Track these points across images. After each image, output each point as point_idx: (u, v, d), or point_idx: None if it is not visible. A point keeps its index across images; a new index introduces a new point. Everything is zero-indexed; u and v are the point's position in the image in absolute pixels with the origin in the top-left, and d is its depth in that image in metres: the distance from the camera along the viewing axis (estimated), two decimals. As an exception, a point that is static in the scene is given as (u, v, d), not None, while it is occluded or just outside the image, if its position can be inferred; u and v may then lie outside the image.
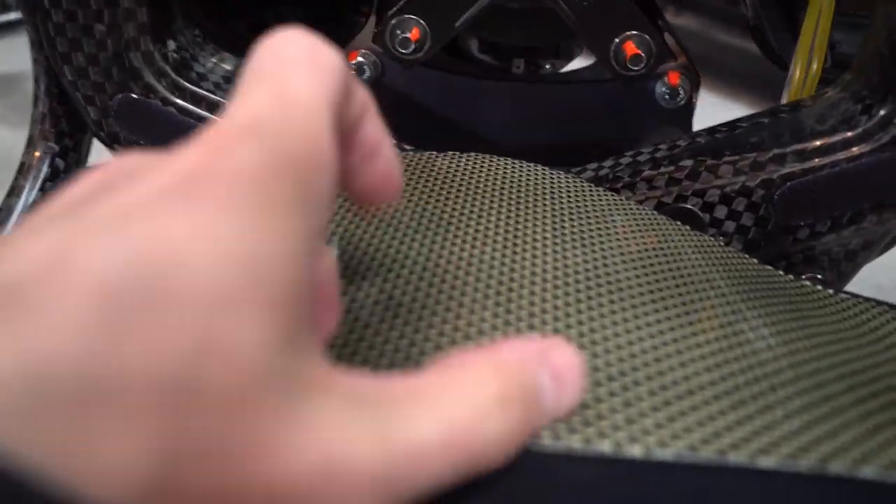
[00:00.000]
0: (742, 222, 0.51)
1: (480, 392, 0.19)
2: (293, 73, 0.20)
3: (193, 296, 0.15)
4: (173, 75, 0.51)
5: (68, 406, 0.14)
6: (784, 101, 0.59)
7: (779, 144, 0.49)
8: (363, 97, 0.23)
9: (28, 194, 0.59)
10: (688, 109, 0.61)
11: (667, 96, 0.59)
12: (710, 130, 0.53)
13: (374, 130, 0.23)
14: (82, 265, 0.15)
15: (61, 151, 0.59)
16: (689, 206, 0.51)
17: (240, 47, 0.70)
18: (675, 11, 2.79)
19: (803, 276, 0.52)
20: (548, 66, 0.66)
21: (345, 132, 0.22)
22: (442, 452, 0.18)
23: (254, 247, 0.16)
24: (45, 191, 0.59)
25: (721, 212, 0.51)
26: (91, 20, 0.49)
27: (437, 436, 0.18)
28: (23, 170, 0.58)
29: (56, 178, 0.59)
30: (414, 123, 0.64)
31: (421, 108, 0.64)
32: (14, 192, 0.59)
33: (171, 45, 0.52)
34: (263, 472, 0.15)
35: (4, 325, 0.14)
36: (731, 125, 0.53)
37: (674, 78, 0.59)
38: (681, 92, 0.59)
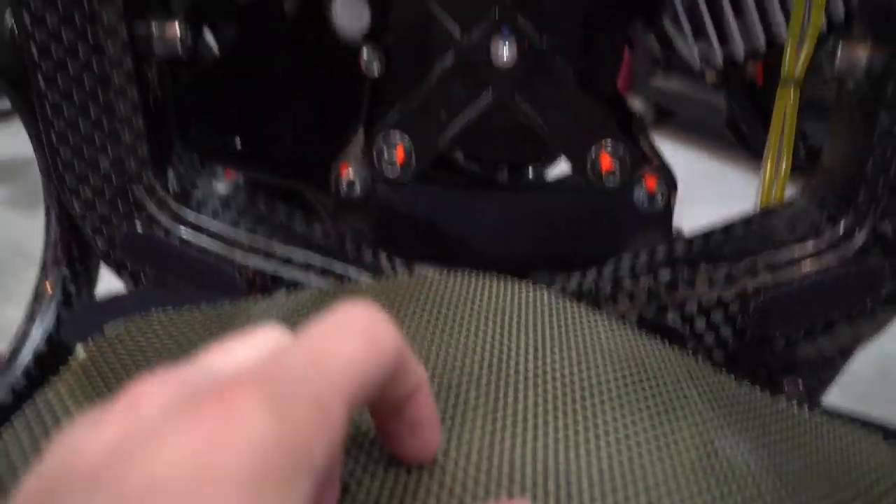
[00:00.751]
0: (721, 334, 0.53)
1: None
2: (340, 340, 0.22)
3: None
4: (174, 205, 0.53)
5: None
6: (757, 198, 0.62)
7: (750, 256, 0.52)
8: (419, 376, 0.25)
9: (42, 318, 0.61)
10: (667, 212, 0.63)
11: (645, 202, 0.62)
12: (688, 240, 0.56)
13: (423, 407, 0.25)
14: None
15: (72, 276, 0.61)
16: (667, 322, 0.53)
17: (235, 160, 0.73)
18: (664, 74, 2.86)
19: (784, 382, 0.54)
20: (531, 171, 0.69)
21: (396, 403, 0.24)
22: None
23: None
24: (59, 317, 0.61)
25: (700, 324, 0.53)
26: (96, 155, 0.51)
27: None
28: (37, 296, 0.61)
29: (69, 303, 0.61)
30: (405, 234, 0.67)
31: (410, 219, 0.66)
32: (31, 317, 0.61)
33: (171, 174, 0.55)
34: None
35: None
36: (707, 234, 0.56)
37: (651, 183, 0.62)
38: (659, 196, 0.62)
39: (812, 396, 0.53)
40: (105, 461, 0.19)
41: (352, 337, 0.23)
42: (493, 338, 0.43)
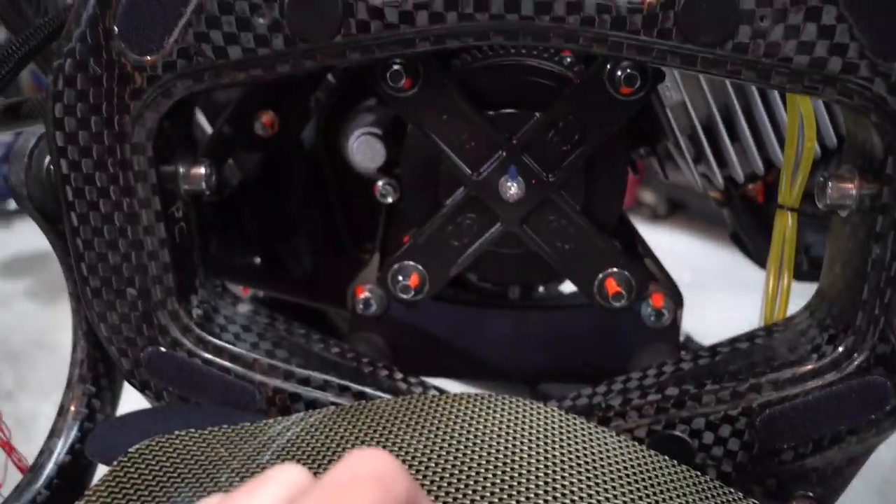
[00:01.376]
0: (729, 447, 0.54)
1: None
2: (354, 491, 0.25)
3: None
4: (197, 330, 0.56)
5: None
6: (760, 312, 0.64)
7: (755, 374, 0.53)
8: None
9: (67, 435, 0.63)
10: (674, 328, 0.65)
11: (652, 318, 0.64)
12: (694, 355, 0.57)
13: None
14: None
15: (97, 393, 0.63)
16: (678, 434, 0.54)
17: (255, 279, 0.76)
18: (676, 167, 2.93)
19: (794, 494, 0.54)
20: (541, 289, 0.72)
21: None
22: None
23: None
24: (83, 430, 0.63)
25: (708, 437, 0.54)
26: (124, 285, 0.54)
27: None
28: (62, 411, 0.63)
29: (93, 418, 0.63)
30: (419, 348, 0.68)
31: (425, 336, 0.68)
32: (55, 433, 0.63)
33: (195, 300, 0.57)
34: None
35: None
36: (713, 350, 0.57)
37: (657, 300, 0.64)
38: (665, 312, 0.64)
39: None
40: None
41: (365, 487, 0.25)
42: (503, 457, 0.44)
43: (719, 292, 2.02)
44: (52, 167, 0.53)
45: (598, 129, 0.55)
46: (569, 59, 0.59)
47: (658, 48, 0.47)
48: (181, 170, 0.55)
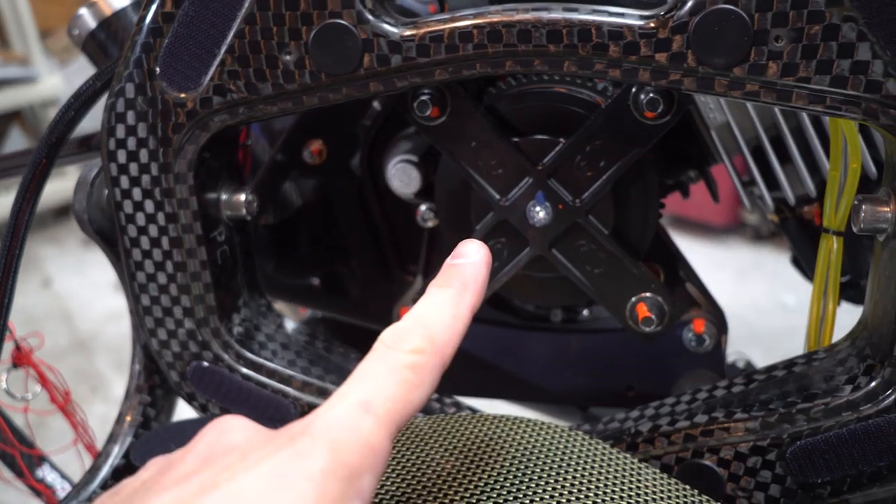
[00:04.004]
0: (759, 479, 0.52)
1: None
2: (382, 390, 0.32)
3: None
4: (237, 347, 0.59)
5: None
6: (805, 341, 0.61)
7: (787, 404, 0.51)
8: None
9: (123, 441, 0.67)
10: (717, 353, 0.64)
11: (693, 342, 0.63)
12: (728, 383, 0.56)
13: None
14: None
15: (152, 403, 0.67)
16: (707, 463, 0.53)
17: (310, 297, 0.79)
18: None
19: (833, 533, 0.52)
20: (585, 312, 0.71)
21: None
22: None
23: None
24: (137, 436, 0.67)
25: (738, 468, 0.52)
26: (170, 304, 0.58)
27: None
28: (120, 419, 0.67)
29: (147, 426, 0.67)
30: (460, 369, 0.69)
31: (466, 355, 0.69)
32: (112, 438, 0.67)
33: (236, 318, 0.60)
34: None
35: None
36: (749, 378, 0.55)
37: (699, 326, 0.63)
38: (706, 338, 0.63)
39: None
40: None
41: (394, 379, 0.32)
42: (515, 479, 0.45)
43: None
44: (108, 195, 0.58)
45: (625, 153, 0.55)
46: (601, 86, 0.59)
47: (673, 72, 0.47)
48: (223, 197, 0.58)
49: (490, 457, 0.48)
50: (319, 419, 0.30)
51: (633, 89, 0.53)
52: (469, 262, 0.38)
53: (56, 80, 3.01)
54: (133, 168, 0.55)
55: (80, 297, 2.54)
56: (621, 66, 0.48)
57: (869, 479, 0.50)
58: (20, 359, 0.67)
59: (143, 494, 0.30)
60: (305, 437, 0.29)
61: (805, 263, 0.70)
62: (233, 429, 0.32)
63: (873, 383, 0.49)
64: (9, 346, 0.66)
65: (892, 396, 0.48)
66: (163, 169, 0.55)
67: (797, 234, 0.69)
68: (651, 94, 0.52)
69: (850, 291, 0.69)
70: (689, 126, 0.64)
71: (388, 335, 0.35)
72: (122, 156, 0.55)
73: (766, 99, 0.46)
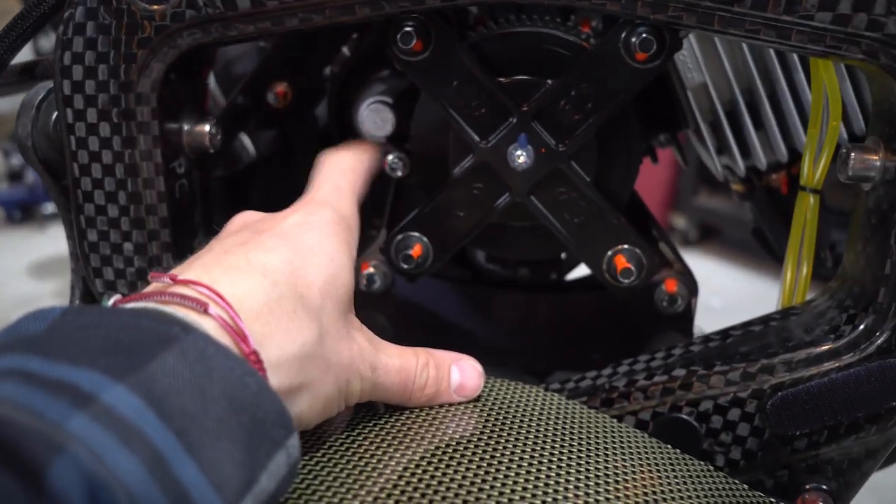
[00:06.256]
0: (738, 432, 0.51)
1: (420, 362, 0.45)
2: (343, 176, 0.52)
3: (317, 277, 0.41)
4: (193, 289, 0.55)
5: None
6: (777, 303, 0.61)
7: (767, 355, 0.50)
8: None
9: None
10: (687, 315, 0.63)
11: (665, 303, 0.62)
12: (705, 338, 0.55)
13: None
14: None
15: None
16: (684, 417, 0.52)
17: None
18: (708, 192, 2.86)
19: (807, 487, 0.51)
20: (553, 275, 0.70)
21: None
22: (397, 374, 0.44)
23: (338, 257, 0.43)
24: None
25: (716, 422, 0.51)
26: (121, 239, 0.54)
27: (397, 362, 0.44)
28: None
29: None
30: (423, 330, 0.67)
31: (430, 316, 0.67)
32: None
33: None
34: (352, 347, 0.41)
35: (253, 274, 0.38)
36: (725, 333, 0.55)
37: (671, 285, 0.62)
38: (678, 299, 0.62)
39: (838, 501, 0.50)
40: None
41: (349, 175, 0.53)
42: (490, 439, 0.43)
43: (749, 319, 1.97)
44: (58, 119, 0.53)
45: (612, 98, 0.53)
46: (585, 34, 0.58)
47: (673, 5, 0.46)
48: (186, 126, 0.54)
49: (464, 416, 0.46)
50: (316, 194, 0.50)
51: (624, 32, 0.52)
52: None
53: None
54: (89, 86, 0.51)
55: (-10, 280, 2.40)
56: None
57: (846, 430, 0.50)
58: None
59: (207, 247, 0.42)
60: (313, 203, 0.48)
61: (770, 232, 0.70)
62: (250, 213, 0.48)
63: (856, 331, 0.49)
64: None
65: (875, 344, 0.48)
66: (124, 87, 0.51)
67: (764, 202, 0.69)
68: (644, 35, 0.51)
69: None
70: (666, 86, 0.64)
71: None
72: (77, 72, 0.51)
73: (766, 37, 0.46)
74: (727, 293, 2.27)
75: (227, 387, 0.31)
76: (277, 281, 0.38)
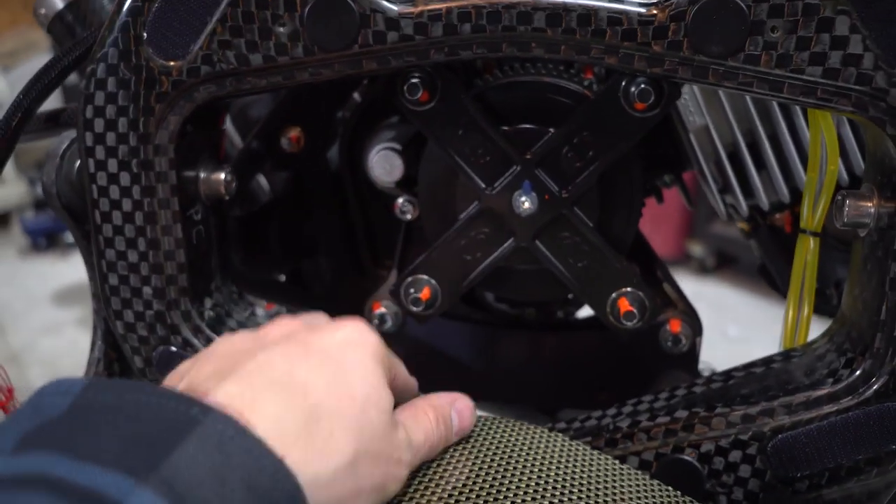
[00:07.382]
0: (740, 474, 0.52)
1: (433, 423, 0.46)
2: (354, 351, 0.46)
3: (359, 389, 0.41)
4: (208, 332, 0.56)
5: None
6: (779, 341, 0.62)
7: (768, 397, 0.51)
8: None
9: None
10: (691, 354, 0.64)
11: (669, 342, 0.63)
12: (707, 379, 0.56)
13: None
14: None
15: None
16: (686, 458, 0.53)
17: (277, 294, 0.77)
18: (725, 221, 2.87)
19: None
20: (559, 314, 0.71)
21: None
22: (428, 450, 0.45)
23: (377, 371, 0.43)
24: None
25: (718, 463, 0.52)
26: (140, 284, 0.56)
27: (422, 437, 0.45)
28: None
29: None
30: (434, 369, 0.68)
31: (440, 355, 0.68)
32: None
33: (208, 302, 0.58)
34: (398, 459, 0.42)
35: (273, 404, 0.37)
36: (727, 374, 0.56)
37: (675, 326, 0.63)
38: (682, 339, 0.63)
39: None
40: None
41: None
42: (496, 473, 0.44)
43: (765, 347, 1.96)
44: (80, 168, 0.56)
45: (613, 146, 0.55)
46: (587, 81, 0.59)
47: (669, 60, 0.47)
48: (202, 174, 0.56)
49: (468, 457, 0.47)
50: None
51: (624, 81, 0.53)
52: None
53: (0, 84, 2.93)
54: (110, 137, 0.53)
55: (15, 308, 2.44)
56: (618, 53, 0.48)
57: (847, 472, 0.50)
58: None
59: (250, 352, 0.40)
60: (359, 321, 0.45)
61: (774, 271, 0.71)
62: (291, 321, 0.45)
63: (854, 375, 0.50)
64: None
65: (873, 388, 0.49)
66: (142, 139, 0.53)
67: (769, 241, 0.70)
68: (643, 85, 0.52)
69: (816, 300, 0.71)
70: (669, 128, 0.65)
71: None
72: (99, 124, 0.53)
73: (759, 89, 0.47)
74: (744, 321, 2.27)
75: (246, 473, 0.32)
76: (319, 402, 0.38)
